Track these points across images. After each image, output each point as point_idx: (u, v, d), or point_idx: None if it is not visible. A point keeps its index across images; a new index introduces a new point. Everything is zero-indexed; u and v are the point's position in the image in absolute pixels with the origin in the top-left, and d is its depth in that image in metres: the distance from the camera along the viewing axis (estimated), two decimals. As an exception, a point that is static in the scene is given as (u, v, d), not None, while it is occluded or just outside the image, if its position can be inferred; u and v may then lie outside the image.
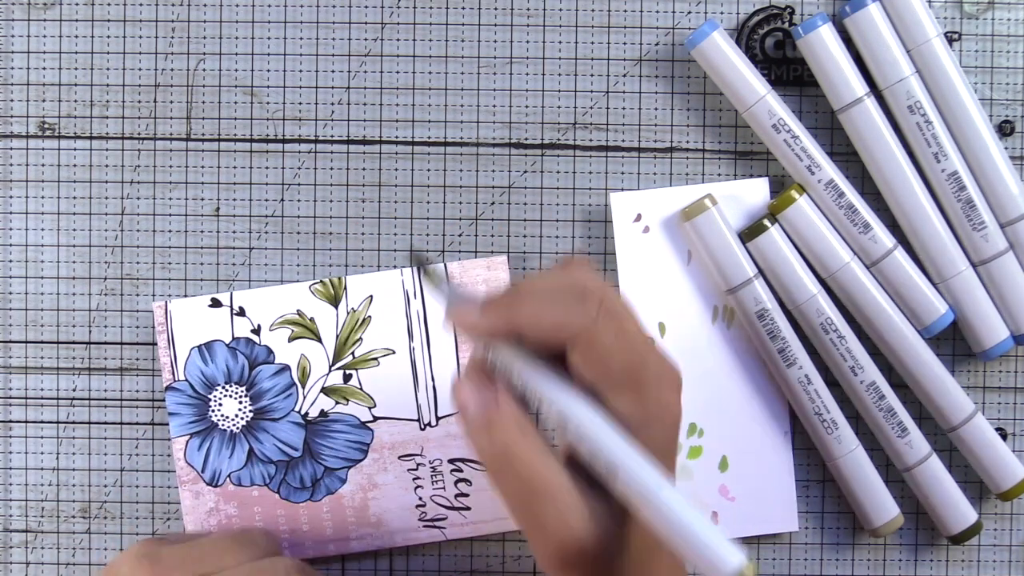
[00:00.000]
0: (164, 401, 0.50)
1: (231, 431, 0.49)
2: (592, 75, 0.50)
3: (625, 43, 0.50)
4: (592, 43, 0.50)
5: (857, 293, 0.48)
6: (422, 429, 0.50)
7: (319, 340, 0.49)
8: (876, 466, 0.49)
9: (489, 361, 0.38)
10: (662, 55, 0.50)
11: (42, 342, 0.50)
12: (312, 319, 0.49)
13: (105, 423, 0.50)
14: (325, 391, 0.49)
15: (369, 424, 0.50)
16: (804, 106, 0.50)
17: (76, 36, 0.50)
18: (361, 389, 0.49)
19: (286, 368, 0.49)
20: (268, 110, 0.50)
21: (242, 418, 0.49)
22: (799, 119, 0.48)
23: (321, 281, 0.50)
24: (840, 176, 0.48)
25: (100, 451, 0.50)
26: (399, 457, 0.50)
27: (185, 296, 0.50)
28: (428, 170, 0.50)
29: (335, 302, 0.50)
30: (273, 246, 0.50)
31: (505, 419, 0.36)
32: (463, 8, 0.50)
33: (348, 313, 0.49)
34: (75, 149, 0.50)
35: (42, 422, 0.50)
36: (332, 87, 0.50)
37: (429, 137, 0.50)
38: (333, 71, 0.50)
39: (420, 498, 0.50)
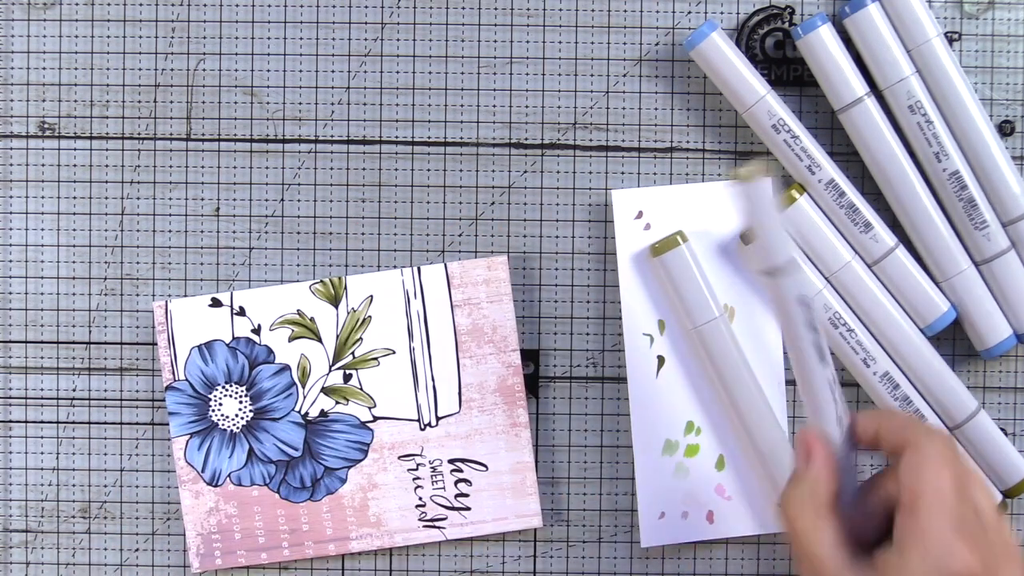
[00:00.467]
0: (164, 401, 0.50)
1: (231, 431, 0.49)
2: (592, 75, 0.50)
3: (625, 43, 0.50)
4: (592, 43, 0.50)
5: (859, 292, 0.48)
6: (422, 429, 0.50)
7: (319, 340, 0.49)
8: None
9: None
10: (662, 55, 0.50)
11: (42, 342, 0.50)
12: (312, 319, 0.49)
13: (105, 423, 0.50)
14: (325, 391, 0.49)
15: (369, 424, 0.49)
16: (804, 106, 0.50)
17: (76, 36, 0.50)
18: (361, 389, 0.49)
19: (286, 368, 0.49)
20: (268, 110, 0.50)
21: (242, 418, 0.49)
22: (799, 119, 0.48)
23: (321, 281, 0.50)
24: (841, 176, 0.48)
25: (100, 451, 0.50)
26: (399, 457, 0.50)
27: (185, 296, 0.50)
28: (428, 170, 0.50)
29: (335, 302, 0.49)
30: (273, 246, 0.50)
31: (806, 490, 0.38)
32: (463, 8, 0.50)
33: (348, 313, 0.49)
34: (75, 149, 0.50)
35: (42, 422, 0.50)
36: (332, 87, 0.50)
37: (429, 137, 0.50)
38: (333, 71, 0.50)
39: (420, 498, 0.50)
